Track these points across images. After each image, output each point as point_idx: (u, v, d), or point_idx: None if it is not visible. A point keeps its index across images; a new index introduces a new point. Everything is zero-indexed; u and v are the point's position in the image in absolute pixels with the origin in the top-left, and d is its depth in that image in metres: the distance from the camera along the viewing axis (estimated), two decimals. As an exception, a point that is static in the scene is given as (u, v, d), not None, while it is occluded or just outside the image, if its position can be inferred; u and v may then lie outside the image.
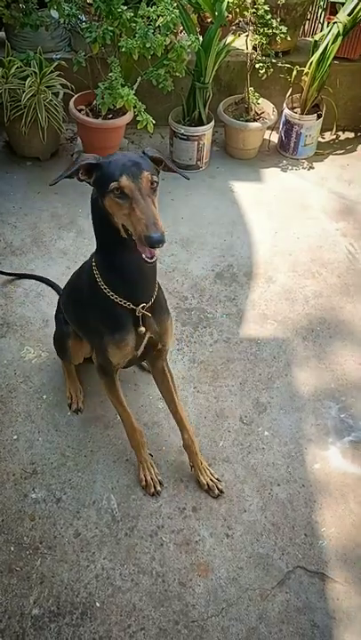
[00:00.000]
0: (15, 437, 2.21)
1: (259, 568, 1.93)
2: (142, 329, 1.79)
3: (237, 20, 3.46)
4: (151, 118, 2.92)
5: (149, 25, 2.81)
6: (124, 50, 2.83)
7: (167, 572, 1.90)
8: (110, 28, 2.85)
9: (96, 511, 2.03)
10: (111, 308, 1.76)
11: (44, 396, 2.34)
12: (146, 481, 2.07)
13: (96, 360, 1.99)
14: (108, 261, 1.73)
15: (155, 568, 1.91)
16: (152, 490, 2.07)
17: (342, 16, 3.22)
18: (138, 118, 2.91)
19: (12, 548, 1.93)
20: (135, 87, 2.98)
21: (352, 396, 2.40)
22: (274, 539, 1.99)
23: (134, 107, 2.91)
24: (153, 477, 2.08)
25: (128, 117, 3.18)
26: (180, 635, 1.78)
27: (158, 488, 2.07)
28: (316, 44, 3.31)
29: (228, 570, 1.92)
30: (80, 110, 3.22)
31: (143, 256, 1.52)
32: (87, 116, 3.20)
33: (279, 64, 3.37)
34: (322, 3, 3.66)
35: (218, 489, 2.07)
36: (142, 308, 1.76)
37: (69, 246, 2.96)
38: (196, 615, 1.82)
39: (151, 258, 1.53)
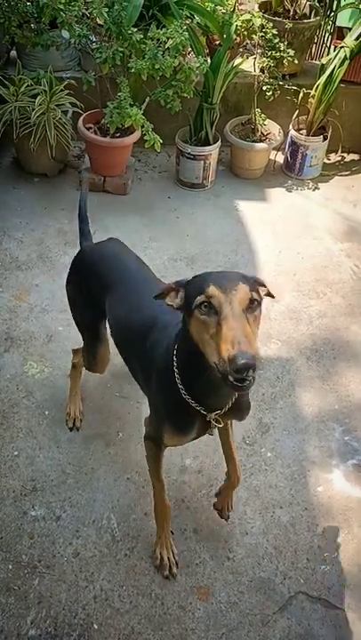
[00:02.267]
0: (16, 453, 2.19)
1: (260, 592, 1.90)
2: (210, 432, 1.60)
3: (245, 43, 3.52)
4: (158, 138, 2.94)
5: (159, 47, 2.85)
6: (133, 71, 2.86)
7: (167, 594, 1.87)
8: (120, 49, 2.88)
9: (96, 530, 2.01)
10: (181, 404, 1.52)
11: (46, 412, 2.33)
12: (161, 560, 1.89)
13: (147, 427, 1.81)
14: (191, 370, 1.44)
15: (154, 590, 1.88)
16: (166, 572, 1.88)
17: (349, 41, 3.26)
18: (145, 137, 2.94)
19: (10, 567, 1.91)
20: (143, 107, 3.01)
21: (356, 417, 2.38)
22: (276, 563, 1.96)
23: (142, 126, 2.94)
24: (170, 558, 1.90)
25: (136, 136, 3.21)
26: (178, 660, 1.75)
27: (175, 570, 1.89)
28: (323, 68, 3.35)
29: (228, 594, 1.89)
30: (89, 129, 3.26)
31: (230, 378, 1.16)
32: (95, 134, 3.24)
33: (286, 86, 3.41)
34: (329, 27, 3.71)
35: (227, 514, 2.02)
36: (216, 414, 1.54)
37: (75, 262, 2.97)
38: (195, 640, 1.79)
39: (242, 382, 1.16)
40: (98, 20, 2.95)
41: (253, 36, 3.22)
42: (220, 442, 1.97)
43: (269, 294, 1.42)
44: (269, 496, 2.13)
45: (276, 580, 1.93)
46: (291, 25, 3.25)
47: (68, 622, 1.80)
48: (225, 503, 2.02)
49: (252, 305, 1.24)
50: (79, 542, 1.97)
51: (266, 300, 1.48)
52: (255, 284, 1.33)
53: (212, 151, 3.36)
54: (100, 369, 2.17)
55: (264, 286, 1.39)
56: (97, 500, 2.08)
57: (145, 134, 2.96)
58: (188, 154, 3.34)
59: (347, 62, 3.25)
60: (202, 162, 3.37)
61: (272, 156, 3.65)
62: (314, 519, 2.07)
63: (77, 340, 2.57)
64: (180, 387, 1.50)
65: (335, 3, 3.53)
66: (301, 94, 3.40)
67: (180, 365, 1.49)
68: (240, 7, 3.69)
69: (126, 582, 1.89)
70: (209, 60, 3.18)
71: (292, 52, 3.22)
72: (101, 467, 2.18)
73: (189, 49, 3.23)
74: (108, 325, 1.97)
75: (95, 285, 1.93)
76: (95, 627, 1.80)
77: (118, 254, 2.00)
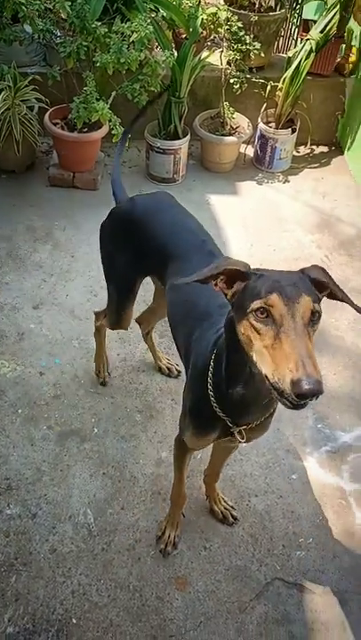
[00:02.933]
0: (-10, 453, 2.18)
1: (237, 580, 1.92)
2: (231, 442, 1.57)
3: (213, 37, 3.52)
4: (127, 131, 2.93)
5: (123, 40, 2.84)
6: (98, 65, 2.85)
7: (145, 586, 1.88)
8: (85, 44, 2.87)
9: (72, 526, 2.00)
10: (208, 412, 1.47)
11: (19, 411, 2.31)
12: (163, 534, 1.95)
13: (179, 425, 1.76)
14: (227, 385, 1.39)
15: (132, 582, 1.89)
16: (162, 546, 1.94)
17: (315, 33, 3.29)
18: (113, 132, 2.93)
19: (-14, 566, 1.89)
20: (110, 101, 2.99)
21: (329, 405, 2.42)
22: (252, 550, 1.99)
23: (109, 120, 2.93)
24: (172, 537, 1.95)
25: (104, 131, 3.19)
26: (157, 650, 1.76)
27: (169, 549, 1.94)
28: (289, 60, 3.37)
29: (206, 583, 1.90)
30: (56, 124, 3.23)
31: (288, 399, 1.09)
32: (62, 129, 3.21)
33: (253, 79, 3.43)
34: (295, 20, 3.74)
35: (232, 516, 2.03)
36: (242, 428, 1.49)
37: (45, 259, 2.95)
38: (174, 629, 1.80)
39: (299, 406, 1.10)
40: (61, 14, 2.93)
41: (219, 29, 3.22)
42: (216, 453, 1.94)
43: (334, 294, 1.24)
44: (245, 485, 2.15)
45: (253, 567, 1.95)
46: (256, 18, 3.26)
47: (46, 618, 1.80)
48: (212, 498, 2.05)
49: (313, 318, 1.14)
50: (56, 538, 1.97)
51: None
52: (315, 294, 1.18)
53: (182, 145, 3.36)
54: (125, 325, 2.12)
55: (326, 288, 1.22)
56: (73, 496, 2.08)
57: (112, 129, 2.95)
58: (158, 148, 3.34)
59: (313, 55, 3.28)
60: (172, 156, 3.36)
61: (242, 150, 3.66)
62: (289, 506, 2.10)
63: (51, 338, 2.56)
64: (211, 393, 1.44)
65: (300, -5, 3.56)
66: (269, 87, 3.42)
67: (216, 370, 1.41)
68: (207, 1, 3.70)
69: (104, 576, 1.89)
70: (175, 54, 3.18)
71: (258, 45, 3.23)
72: (77, 463, 2.17)
73: (156, 43, 3.22)
74: (165, 290, 1.82)
75: (146, 242, 1.80)
76: (74, 621, 1.80)
77: (179, 215, 1.86)
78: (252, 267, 1.25)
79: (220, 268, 1.22)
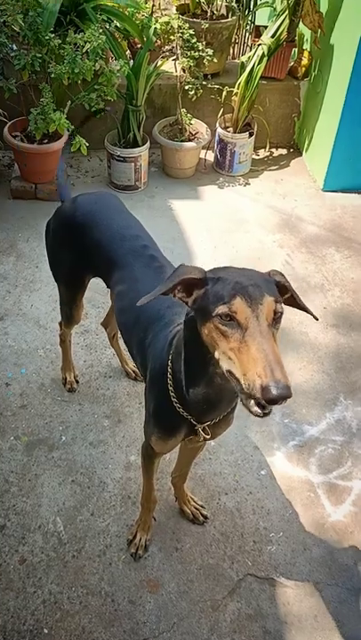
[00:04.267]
0: None
1: (209, 579, 1.92)
2: (196, 440, 1.57)
3: (171, 46, 3.57)
4: (84, 141, 2.95)
5: (77, 51, 2.86)
6: (53, 76, 2.87)
7: (116, 591, 1.87)
8: (39, 55, 2.89)
9: (42, 535, 1.99)
10: (172, 413, 1.47)
11: (-14, 423, 2.29)
12: (134, 538, 1.95)
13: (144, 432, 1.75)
14: (187, 384, 1.38)
15: (104, 588, 1.88)
16: (133, 550, 1.94)
17: (266, 38, 3.36)
18: (71, 141, 2.94)
19: None
20: (66, 111, 3.01)
21: (295, 401, 2.44)
22: (223, 548, 1.99)
23: (67, 130, 2.95)
24: (143, 541, 1.95)
25: (63, 141, 3.21)
26: (131, 654, 1.75)
27: (140, 553, 1.93)
28: (243, 66, 3.43)
29: (178, 583, 1.90)
30: (15, 136, 3.24)
31: (252, 409, 1.11)
32: (22, 141, 3.22)
33: (209, 85, 3.48)
34: (248, 27, 3.82)
35: (202, 515, 2.04)
36: (207, 425, 1.48)
37: (9, 270, 2.94)
38: (147, 632, 1.79)
39: (266, 411, 1.11)
40: (14, 27, 2.94)
41: (172, 37, 3.27)
42: (183, 454, 1.94)
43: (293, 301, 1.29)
44: (214, 484, 2.16)
45: (225, 565, 1.95)
46: (207, 25, 3.32)
47: (16, 630, 1.77)
48: (181, 499, 2.05)
49: (276, 317, 1.14)
50: (25, 549, 1.95)
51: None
52: (276, 291, 1.19)
53: (142, 152, 3.39)
54: (78, 319, 2.16)
55: (286, 292, 1.25)
56: (42, 506, 2.06)
57: (71, 138, 2.96)
58: (118, 156, 3.36)
59: (265, 59, 3.35)
60: (132, 164, 3.39)
61: (202, 155, 3.71)
62: (258, 502, 2.11)
63: (17, 349, 2.55)
64: (172, 394, 1.43)
65: (252, 3, 3.63)
66: (225, 92, 3.48)
67: (175, 370, 1.41)
68: (164, 11, 3.75)
69: (75, 583, 1.88)
70: (131, 63, 3.21)
71: (210, 52, 3.29)
72: (45, 472, 2.16)
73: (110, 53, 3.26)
74: (111, 298, 1.88)
75: (88, 246, 1.80)
76: (45, 631, 1.78)
77: (120, 218, 1.86)
78: (213, 267, 1.25)
79: (175, 279, 1.21)
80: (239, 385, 1.11)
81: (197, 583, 1.91)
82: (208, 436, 1.52)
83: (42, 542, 1.97)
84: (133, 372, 2.46)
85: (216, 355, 1.17)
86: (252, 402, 1.09)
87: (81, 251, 1.85)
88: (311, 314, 1.34)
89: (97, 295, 2.71)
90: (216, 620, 1.83)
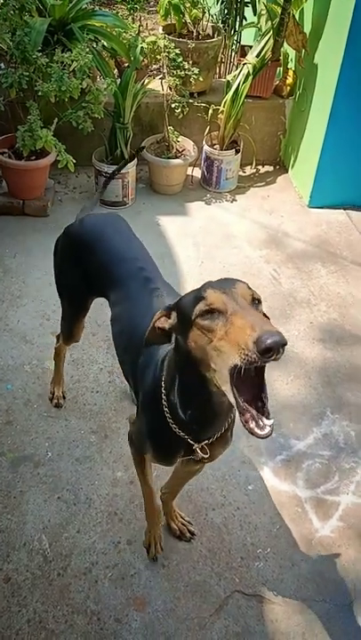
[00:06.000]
0: None
1: (196, 596, 1.90)
2: (194, 462, 1.58)
3: (159, 65, 3.62)
4: (71, 158, 2.97)
5: (64, 69, 2.90)
6: (40, 94, 2.90)
7: (102, 609, 1.85)
8: (26, 74, 2.92)
9: (27, 553, 1.96)
10: (167, 432, 1.45)
11: (-29, 439, 2.27)
12: (150, 546, 1.96)
13: (131, 428, 1.76)
14: (183, 407, 1.39)
15: (89, 607, 1.85)
16: (152, 556, 1.96)
17: (251, 57, 3.42)
18: (58, 158, 2.97)
19: None
20: (53, 128, 3.04)
21: (282, 414, 2.45)
22: (210, 565, 1.97)
23: (55, 147, 2.97)
24: (157, 546, 1.96)
25: (51, 158, 3.23)
26: (117, 674, 1.72)
27: (157, 555, 1.96)
28: (228, 84, 3.49)
29: (165, 601, 1.88)
30: (3, 153, 3.25)
31: (255, 430, 1.12)
32: (10, 158, 3.23)
33: (195, 104, 3.53)
34: (234, 47, 3.88)
35: (189, 531, 2.02)
36: (204, 444, 1.47)
37: (-4, 287, 2.94)
38: (133, 652, 1.77)
39: (262, 430, 1.13)
40: (1, 45, 2.98)
41: (158, 56, 3.32)
42: (178, 474, 1.92)
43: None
44: (201, 499, 2.14)
45: (212, 581, 1.93)
46: (193, 45, 3.38)
47: (0, 651, 1.74)
48: (168, 515, 2.03)
49: (255, 302, 1.15)
50: (10, 567, 1.92)
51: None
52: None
53: (129, 169, 3.42)
54: (77, 338, 2.18)
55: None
56: (27, 523, 2.04)
57: (58, 155, 2.98)
58: (106, 173, 3.39)
59: (250, 78, 3.40)
60: (120, 180, 3.41)
61: (189, 172, 3.75)
62: (246, 517, 2.10)
63: (3, 364, 2.54)
64: (168, 415, 1.43)
65: (237, 23, 3.70)
66: (211, 110, 3.53)
67: (169, 391, 1.41)
68: (151, 31, 3.82)
69: (61, 602, 1.85)
70: (118, 81, 3.26)
71: (196, 71, 3.34)
72: (30, 489, 2.13)
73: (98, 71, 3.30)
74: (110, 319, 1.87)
75: (91, 267, 1.85)
76: (29, 652, 1.75)
77: (122, 241, 1.89)
78: (200, 282, 1.29)
79: (154, 320, 1.30)
80: (241, 359, 1.05)
81: (184, 600, 1.89)
82: (207, 456, 1.51)
83: (27, 560, 1.94)
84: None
85: (210, 364, 1.15)
86: (253, 424, 1.12)
87: (84, 271, 1.89)
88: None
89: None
90: (203, 639, 1.80)
